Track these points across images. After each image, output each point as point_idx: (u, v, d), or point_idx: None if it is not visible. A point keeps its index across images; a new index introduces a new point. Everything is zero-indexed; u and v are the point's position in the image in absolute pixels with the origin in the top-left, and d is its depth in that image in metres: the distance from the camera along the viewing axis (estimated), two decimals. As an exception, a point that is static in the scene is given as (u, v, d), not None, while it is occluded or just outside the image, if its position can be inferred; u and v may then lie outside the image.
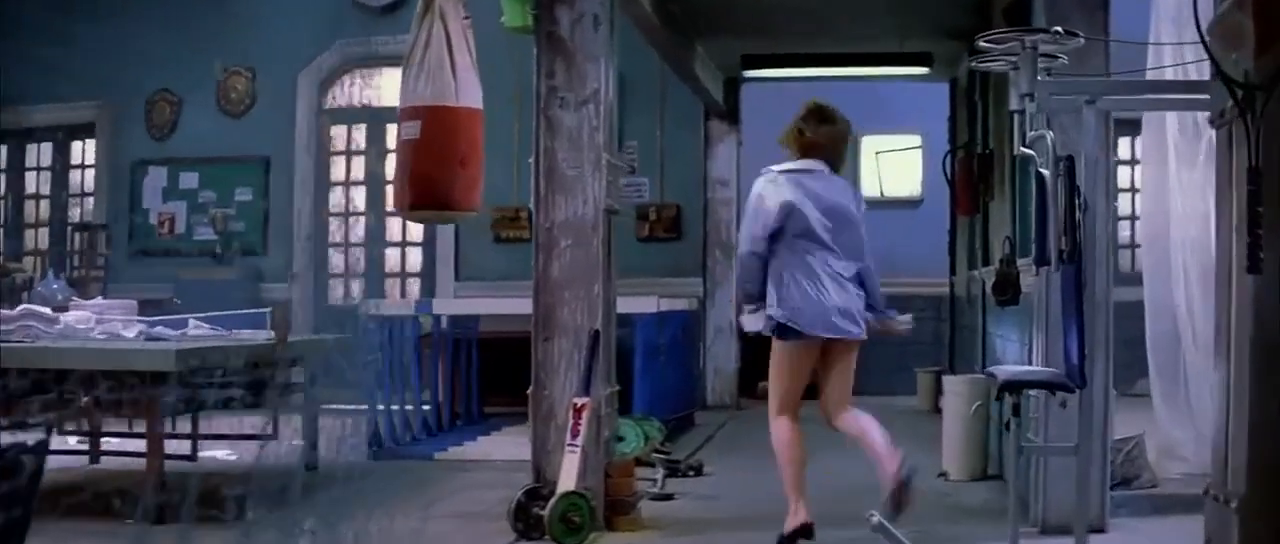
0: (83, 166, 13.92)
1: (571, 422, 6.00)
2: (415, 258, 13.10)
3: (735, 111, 12.83)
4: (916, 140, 13.81)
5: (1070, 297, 4.61)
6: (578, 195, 6.13)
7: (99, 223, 13.42)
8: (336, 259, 13.27)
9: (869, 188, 13.30)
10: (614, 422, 6.59)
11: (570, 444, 5.97)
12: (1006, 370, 5.05)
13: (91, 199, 13.76)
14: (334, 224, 13.24)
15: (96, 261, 13.16)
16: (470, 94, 5.71)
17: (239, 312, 8.81)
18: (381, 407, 9.02)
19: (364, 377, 7.58)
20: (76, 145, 13.92)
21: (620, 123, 12.44)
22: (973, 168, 10.03)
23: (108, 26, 12.83)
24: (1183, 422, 7.56)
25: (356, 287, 13.15)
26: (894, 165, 13.84)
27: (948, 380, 8.33)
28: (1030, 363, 6.14)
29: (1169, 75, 6.56)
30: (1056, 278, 5.21)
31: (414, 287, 13.03)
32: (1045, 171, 4.84)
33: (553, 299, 6.16)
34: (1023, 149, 5.09)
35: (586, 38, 6.16)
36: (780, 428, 5.93)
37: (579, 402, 6.02)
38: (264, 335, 7.70)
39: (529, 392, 6.24)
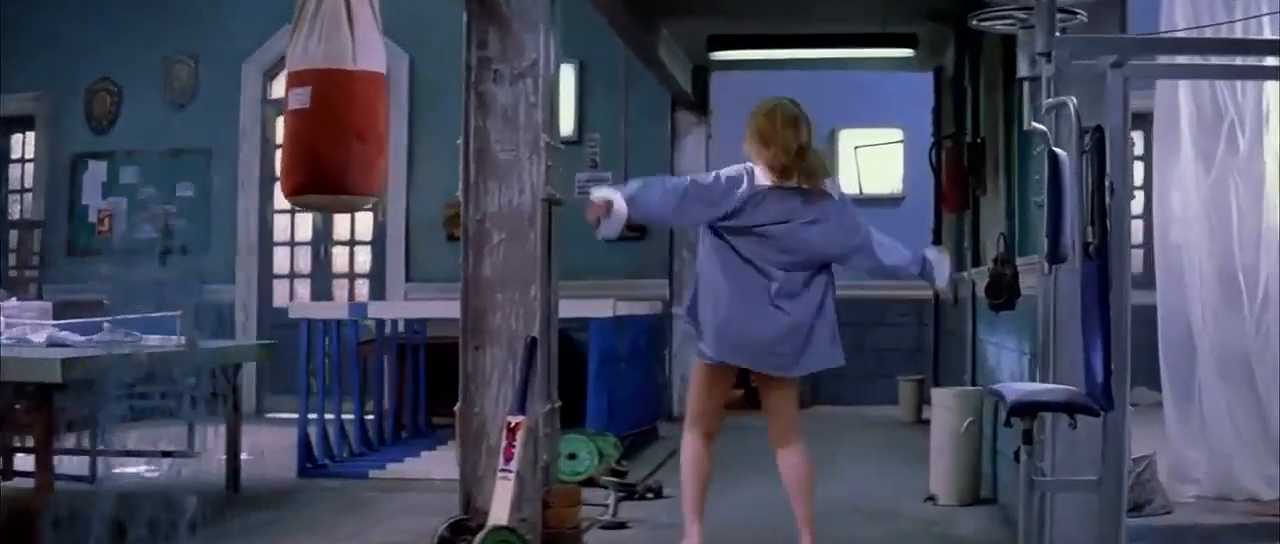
0: (23, 160, 13.19)
1: (504, 444, 5.21)
2: (364, 257, 12.33)
3: (704, 101, 12.12)
4: (898, 134, 13.10)
5: (1093, 300, 3.79)
6: (513, 182, 5.34)
7: (35, 220, 12.73)
8: (282, 258, 12.48)
9: (847, 185, 12.60)
10: (554, 443, 5.80)
11: (503, 470, 5.17)
12: (1016, 389, 4.22)
13: (31, 195, 13.02)
14: (279, 221, 12.45)
15: (31, 261, 12.45)
16: (370, 57, 4.88)
17: (157, 314, 8.03)
18: (313, 416, 8.24)
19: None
20: (16, 138, 13.20)
21: (582, 114, 12.05)
22: (962, 159, 9.24)
23: (46, 12, 12.11)
24: (1196, 440, 6.99)
25: (304, 287, 12.39)
26: (874, 161, 13.10)
27: (936, 393, 7.56)
28: (1032, 377, 5.36)
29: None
30: (1067, 278, 4.45)
31: (363, 288, 12.26)
32: (1059, 151, 4.01)
33: (484, 302, 5.36)
34: (1035, 124, 4.27)
35: (524, 2, 5.37)
36: (688, 444, 5.39)
37: (513, 421, 5.23)
38: (175, 341, 6.94)
39: (457, 408, 5.44)
